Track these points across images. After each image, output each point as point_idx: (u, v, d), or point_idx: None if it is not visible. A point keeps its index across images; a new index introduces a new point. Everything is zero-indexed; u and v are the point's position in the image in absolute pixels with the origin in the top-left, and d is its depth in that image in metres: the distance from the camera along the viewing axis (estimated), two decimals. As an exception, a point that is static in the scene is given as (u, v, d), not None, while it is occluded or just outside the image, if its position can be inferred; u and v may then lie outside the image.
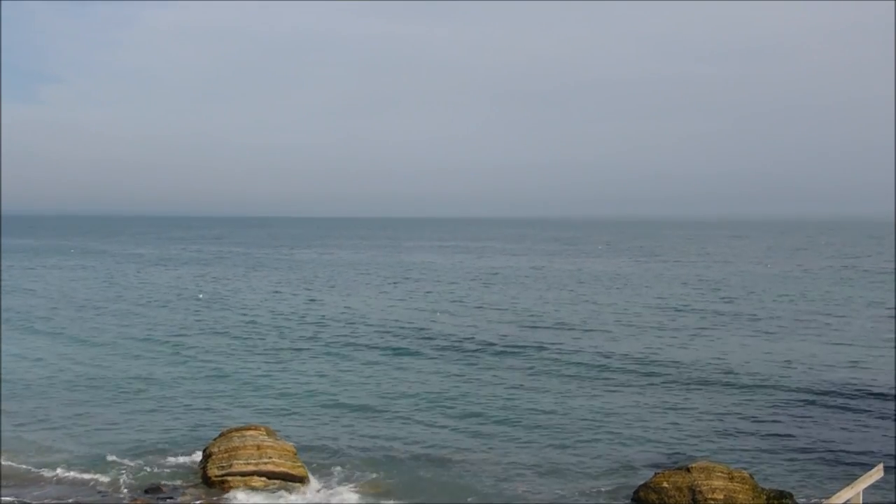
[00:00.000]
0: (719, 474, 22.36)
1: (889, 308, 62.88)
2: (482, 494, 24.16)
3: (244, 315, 61.47)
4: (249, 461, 24.39)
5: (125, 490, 24.25)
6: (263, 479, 24.21)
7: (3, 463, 26.63)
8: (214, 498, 23.54)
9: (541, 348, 46.45)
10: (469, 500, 23.77)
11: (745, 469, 23.72)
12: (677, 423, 31.36)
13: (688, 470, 22.70)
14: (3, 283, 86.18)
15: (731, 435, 29.93)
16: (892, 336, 48.94)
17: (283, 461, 24.60)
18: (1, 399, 34.98)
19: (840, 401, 34.07)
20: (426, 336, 50.94)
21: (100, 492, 24.13)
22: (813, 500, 23.07)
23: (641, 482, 23.64)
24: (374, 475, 25.72)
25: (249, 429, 25.80)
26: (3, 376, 39.55)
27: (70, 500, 23.65)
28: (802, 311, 62.90)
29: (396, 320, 58.05)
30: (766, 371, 39.91)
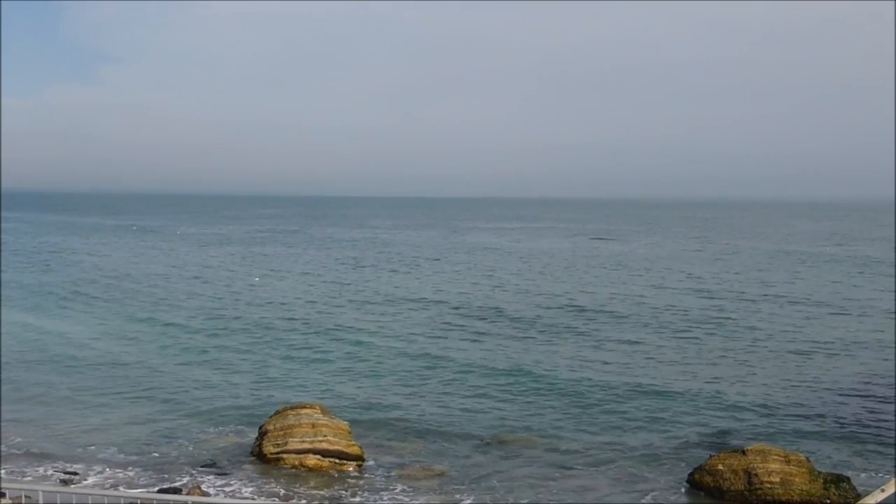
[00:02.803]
0: (775, 457, 22.05)
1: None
2: (538, 475, 24.16)
3: (299, 296, 62.02)
4: (304, 439, 24.64)
5: (181, 466, 24.65)
6: (318, 456, 24.46)
7: (57, 440, 27.30)
8: (270, 475, 23.87)
9: (596, 331, 46.36)
10: (525, 480, 23.78)
11: (801, 452, 23.36)
12: (732, 406, 30.99)
13: (743, 452, 22.43)
14: (57, 256, 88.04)
15: (787, 418, 29.50)
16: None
17: (337, 439, 24.77)
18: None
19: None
20: (483, 317, 51.00)
21: (156, 468, 24.50)
22: (870, 485, 22.62)
23: (696, 465, 23.45)
24: (429, 455, 25.88)
25: (304, 407, 25.94)
26: (65, 352, 40.59)
27: (125, 476, 24.10)
28: (868, 296, 61.74)
29: (452, 302, 58.15)
30: (823, 355, 39.30)
